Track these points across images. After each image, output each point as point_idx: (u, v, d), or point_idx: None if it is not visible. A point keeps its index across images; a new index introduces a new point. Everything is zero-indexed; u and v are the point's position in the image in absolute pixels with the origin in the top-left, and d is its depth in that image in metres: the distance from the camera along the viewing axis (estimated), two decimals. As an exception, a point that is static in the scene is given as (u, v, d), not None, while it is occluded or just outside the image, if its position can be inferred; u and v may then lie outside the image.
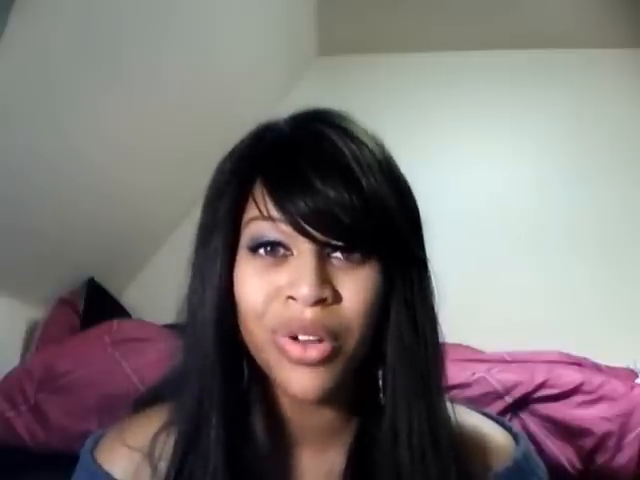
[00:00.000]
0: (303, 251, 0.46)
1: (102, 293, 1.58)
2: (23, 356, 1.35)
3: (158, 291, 1.72)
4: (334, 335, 0.46)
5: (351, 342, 0.46)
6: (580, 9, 1.70)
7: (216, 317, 0.48)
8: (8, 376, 1.13)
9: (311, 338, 0.45)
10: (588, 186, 1.78)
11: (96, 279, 1.56)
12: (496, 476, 0.54)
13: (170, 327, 1.29)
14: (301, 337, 0.45)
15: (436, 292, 0.53)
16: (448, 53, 1.91)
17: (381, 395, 0.51)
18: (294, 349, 0.45)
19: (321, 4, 1.78)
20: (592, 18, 1.71)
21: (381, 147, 0.51)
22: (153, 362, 1.07)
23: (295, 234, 0.45)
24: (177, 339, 0.54)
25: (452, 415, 0.53)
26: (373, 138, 0.51)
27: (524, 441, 0.57)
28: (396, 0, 1.74)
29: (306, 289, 0.44)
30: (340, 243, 0.46)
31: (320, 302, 0.45)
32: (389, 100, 1.87)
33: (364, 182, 0.46)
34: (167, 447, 0.51)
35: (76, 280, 1.52)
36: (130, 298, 1.76)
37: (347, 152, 0.47)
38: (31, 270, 1.35)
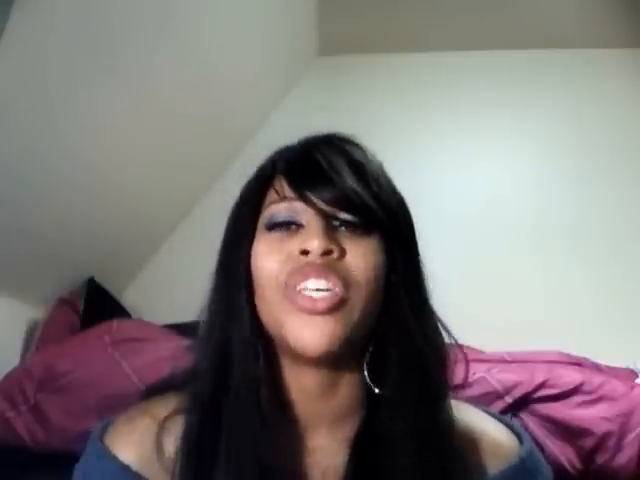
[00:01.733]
0: (312, 220, 0.53)
1: (102, 293, 1.58)
2: (23, 356, 1.35)
3: (158, 291, 1.74)
4: (343, 283, 0.50)
5: (358, 295, 0.51)
6: (580, 9, 1.70)
7: (244, 291, 0.53)
8: (8, 376, 1.13)
9: (321, 285, 0.50)
10: (588, 186, 1.78)
11: (96, 279, 1.56)
12: (501, 473, 0.55)
13: (170, 327, 1.29)
14: (312, 284, 0.49)
15: (434, 290, 0.57)
16: (448, 53, 1.91)
17: (376, 389, 0.54)
18: (305, 301, 0.49)
19: (321, 4, 1.78)
20: (592, 18, 1.71)
21: (377, 160, 0.59)
22: (153, 362, 1.08)
23: (306, 208, 0.53)
24: (187, 334, 0.58)
25: (453, 407, 0.55)
26: (372, 153, 0.60)
27: (528, 440, 0.58)
28: (396, 0, 1.74)
29: (316, 242, 0.50)
30: (344, 215, 0.53)
31: (328, 254, 0.51)
32: (389, 100, 1.87)
33: (367, 171, 0.54)
34: (176, 432, 0.53)
35: (76, 280, 1.51)
36: (130, 298, 1.76)
37: (351, 151, 0.56)
38: (31, 270, 1.35)
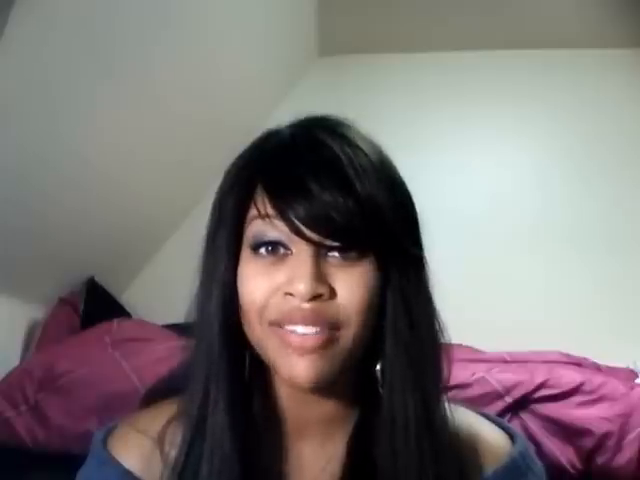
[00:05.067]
0: (301, 250, 0.48)
1: (102, 293, 1.58)
2: (23, 356, 1.35)
3: (158, 291, 1.73)
4: (331, 326, 0.48)
5: (348, 334, 0.49)
6: (580, 9, 1.70)
7: (221, 312, 0.51)
8: (8, 376, 1.13)
9: (309, 330, 0.47)
10: (588, 185, 1.78)
11: (96, 279, 1.56)
12: (493, 474, 0.54)
13: (170, 327, 1.29)
14: (300, 330, 0.48)
15: (435, 290, 0.54)
16: (448, 53, 1.91)
17: (380, 388, 0.52)
18: (293, 338, 0.48)
19: (321, 4, 1.78)
20: (592, 18, 1.71)
21: (377, 151, 0.53)
22: (153, 362, 1.08)
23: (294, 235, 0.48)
24: (186, 334, 0.56)
25: (448, 411, 0.54)
26: (370, 142, 0.53)
27: (521, 440, 0.58)
28: (396, 0, 1.74)
29: (302, 286, 0.46)
30: (335, 243, 0.48)
31: (316, 298, 0.47)
32: (389, 100, 1.87)
33: (358, 186, 0.48)
34: (177, 436, 0.53)
35: (76, 280, 1.52)
36: (130, 298, 1.77)
37: (343, 157, 0.49)
38: (31, 270, 1.35)
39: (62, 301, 1.45)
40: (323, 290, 0.47)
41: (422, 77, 1.92)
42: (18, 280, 1.33)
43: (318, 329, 0.47)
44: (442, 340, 0.54)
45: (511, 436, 0.58)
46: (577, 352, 1.26)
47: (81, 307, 1.47)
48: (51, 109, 1.10)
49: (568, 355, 1.24)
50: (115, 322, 1.28)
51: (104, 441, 0.56)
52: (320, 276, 0.48)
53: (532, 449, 0.59)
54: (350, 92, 1.86)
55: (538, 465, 0.58)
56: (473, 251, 1.73)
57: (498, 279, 1.71)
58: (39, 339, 1.35)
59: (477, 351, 1.35)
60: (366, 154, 0.51)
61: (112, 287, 1.63)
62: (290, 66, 1.91)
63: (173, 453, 0.52)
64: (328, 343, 0.48)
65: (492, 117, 1.88)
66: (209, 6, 1.34)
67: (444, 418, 0.53)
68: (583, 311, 1.64)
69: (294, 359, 0.48)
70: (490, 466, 0.55)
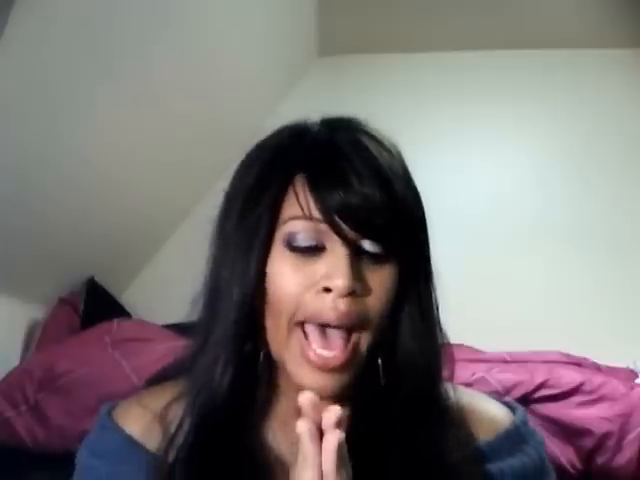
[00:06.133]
0: (336, 247, 0.50)
1: (102, 293, 1.58)
2: (23, 356, 1.36)
3: (158, 291, 1.74)
4: (360, 325, 0.50)
5: (370, 334, 0.51)
6: (580, 9, 1.70)
7: (241, 305, 0.51)
8: (8, 376, 1.13)
9: (338, 333, 0.49)
10: (588, 185, 1.78)
11: (96, 279, 1.56)
12: (496, 438, 0.56)
13: (170, 327, 1.29)
14: (330, 331, 0.49)
15: (438, 288, 0.57)
16: (448, 53, 1.92)
17: (381, 377, 0.54)
18: (315, 358, 0.49)
19: (321, 4, 1.78)
20: (592, 18, 1.71)
21: (402, 157, 0.56)
22: (153, 362, 1.07)
23: (331, 232, 0.50)
24: (187, 333, 0.57)
25: (451, 392, 0.56)
26: (397, 149, 0.57)
27: (521, 411, 0.60)
28: (396, 0, 1.74)
29: (341, 281, 0.48)
30: (370, 246, 0.50)
31: (352, 294, 0.49)
32: (389, 100, 1.87)
33: (396, 186, 0.51)
34: (179, 413, 0.54)
35: (76, 280, 1.52)
36: (130, 298, 1.76)
37: (380, 159, 0.52)
38: (31, 270, 1.35)
39: (62, 301, 1.45)
40: (359, 287, 0.49)
41: (422, 77, 1.92)
42: (18, 280, 1.33)
43: (348, 325, 0.49)
44: (442, 328, 0.57)
45: (512, 408, 0.60)
46: (577, 352, 1.26)
47: (81, 307, 1.47)
48: (51, 109, 1.10)
49: (568, 355, 1.24)
50: (115, 322, 1.28)
51: (109, 413, 0.58)
52: (356, 273, 0.49)
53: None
54: (350, 92, 1.86)
55: (539, 433, 0.60)
56: (473, 251, 1.73)
57: (498, 279, 1.71)
58: (39, 339, 1.35)
59: (477, 351, 1.35)
60: (397, 159, 0.55)
61: (112, 287, 1.63)
62: (290, 66, 1.91)
63: (174, 429, 0.54)
64: (348, 362, 0.49)
65: (492, 117, 1.88)
66: (209, 6, 1.34)
67: (446, 399, 0.55)
68: (583, 311, 1.64)
69: (313, 374, 0.49)
70: (492, 432, 0.56)
